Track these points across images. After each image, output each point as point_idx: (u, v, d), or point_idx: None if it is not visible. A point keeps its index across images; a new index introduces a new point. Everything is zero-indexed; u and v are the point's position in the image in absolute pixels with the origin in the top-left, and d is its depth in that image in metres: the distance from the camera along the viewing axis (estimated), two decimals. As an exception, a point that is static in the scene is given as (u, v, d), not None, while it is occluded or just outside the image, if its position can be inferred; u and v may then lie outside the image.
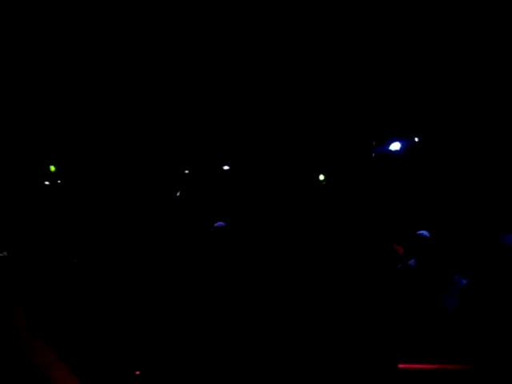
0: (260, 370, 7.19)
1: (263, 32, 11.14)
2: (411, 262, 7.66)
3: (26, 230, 11.68)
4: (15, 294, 7.12)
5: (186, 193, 13.97)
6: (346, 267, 8.78)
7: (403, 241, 9.02)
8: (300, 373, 7.08)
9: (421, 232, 7.63)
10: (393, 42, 11.04)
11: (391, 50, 11.15)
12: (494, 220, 10.62)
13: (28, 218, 12.73)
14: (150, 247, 10.31)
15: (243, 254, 8.48)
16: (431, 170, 12.05)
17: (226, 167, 14.17)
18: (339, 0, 10.30)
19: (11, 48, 11.41)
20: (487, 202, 11.35)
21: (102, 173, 13.72)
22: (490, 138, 11.49)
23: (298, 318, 7.82)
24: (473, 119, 11.52)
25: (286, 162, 13.15)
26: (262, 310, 7.85)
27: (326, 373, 7.04)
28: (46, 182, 14.46)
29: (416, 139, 12.06)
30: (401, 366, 6.33)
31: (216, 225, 8.55)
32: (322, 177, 13.40)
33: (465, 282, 7.26)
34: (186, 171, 14.28)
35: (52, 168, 14.09)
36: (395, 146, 12.16)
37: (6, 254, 7.82)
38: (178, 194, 13.95)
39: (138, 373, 7.13)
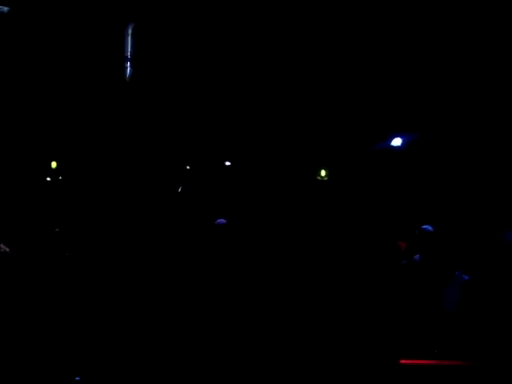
0: (262, 365, 7.20)
1: (264, 31, 11.13)
2: (416, 257, 7.62)
3: (27, 226, 11.68)
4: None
5: (188, 188, 13.96)
6: (348, 264, 8.77)
7: (406, 236, 9.01)
8: (303, 368, 7.08)
9: (425, 226, 7.58)
10: (394, 38, 11.03)
11: (392, 47, 11.13)
12: (496, 216, 10.61)
13: (29, 214, 12.73)
14: (150, 242, 10.30)
15: (244, 250, 8.47)
16: (433, 166, 12.03)
17: (227, 163, 14.16)
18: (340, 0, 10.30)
19: (13, 48, 11.41)
20: (490, 198, 11.33)
21: (103, 168, 13.71)
22: (492, 134, 11.47)
23: (300, 314, 7.82)
24: (476, 114, 11.50)
25: (288, 158, 13.14)
26: (264, 307, 7.84)
27: (329, 368, 7.04)
28: (48, 179, 14.46)
29: (417, 135, 12.05)
30: (402, 361, 6.33)
31: (217, 222, 8.52)
32: (323, 173, 13.38)
33: (466, 277, 7.25)
34: (188, 167, 14.26)
35: (53, 164, 14.09)
36: (396, 142, 12.15)
37: (8, 249, 7.82)
38: (180, 189, 13.94)
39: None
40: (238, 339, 7.49)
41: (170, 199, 13.59)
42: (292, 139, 12.94)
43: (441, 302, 7.19)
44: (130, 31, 11.32)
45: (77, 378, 7.02)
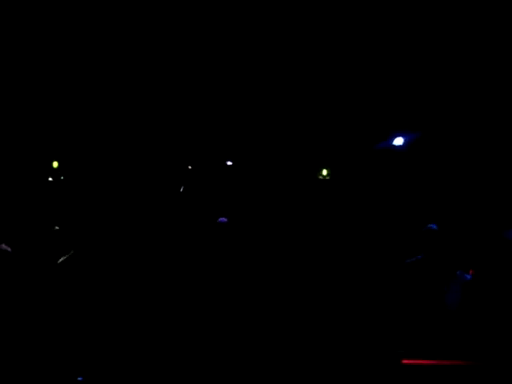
0: (264, 365, 7.20)
1: (265, 30, 11.13)
2: (420, 256, 7.60)
3: (29, 225, 11.68)
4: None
5: (190, 188, 13.96)
6: (350, 263, 8.77)
7: (408, 235, 9.00)
8: (304, 368, 7.08)
9: (431, 225, 7.56)
10: (397, 36, 11.03)
11: (394, 46, 11.12)
12: (498, 215, 10.59)
13: (31, 213, 12.73)
14: (152, 241, 10.30)
15: (246, 249, 8.46)
16: (434, 165, 12.02)
17: (229, 162, 14.15)
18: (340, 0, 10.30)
19: (15, 47, 11.42)
20: (492, 197, 11.32)
21: (105, 169, 13.72)
22: (494, 134, 11.46)
23: (303, 314, 7.81)
24: (479, 113, 11.49)
25: (290, 158, 13.13)
26: (265, 306, 7.84)
27: (332, 368, 7.04)
28: (50, 179, 14.46)
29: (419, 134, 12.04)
30: (405, 361, 6.33)
31: (218, 220, 8.52)
32: (325, 172, 13.38)
33: (468, 276, 7.24)
34: (189, 167, 14.26)
35: (55, 164, 14.09)
36: (398, 141, 12.14)
37: (9, 249, 7.81)
38: (182, 189, 13.94)
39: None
40: (239, 338, 7.49)
41: (172, 198, 13.59)
42: (294, 138, 12.94)
43: (443, 301, 7.18)
44: None
45: (79, 379, 7.02)
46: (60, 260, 8.39)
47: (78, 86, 12.64)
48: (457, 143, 11.82)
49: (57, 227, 8.81)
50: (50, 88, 12.67)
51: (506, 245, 6.98)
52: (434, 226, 7.52)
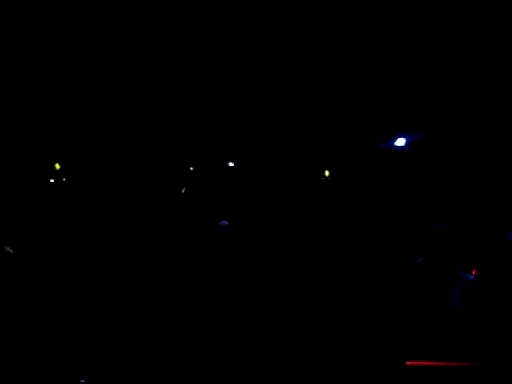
0: (265, 366, 7.19)
1: (267, 30, 11.12)
2: (428, 256, 7.56)
3: (31, 227, 11.68)
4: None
5: (191, 189, 13.96)
6: (354, 264, 8.76)
7: (411, 235, 8.99)
8: (308, 369, 7.07)
9: (439, 225, 7.52)
10: (399, 37, 11.02)
11: (396, 47, 11.12)
12: (499, 216, 10.58)
13: (33, 215, 12.73)
14: (154, 243, 10.30)
15: (246, 251, 8.46)
16: (437, 166, 12.01)
17: (230, 164, 14.16)
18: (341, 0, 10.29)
19: (16, 48, 11.41)
20: (493, 198, 11.31)
21: (107, 170, 13.72)
22: (495, 136, 11.45)
23: (306, 314, 7.80)
24: (481, 114, 11.49)
25: (291, 159, 13.13)
26: (267, 306, 7.83)
27: (335, 369, 7.03)
28: (52, 180, 14.47)
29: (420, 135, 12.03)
30: (408, 362, 6.32)
31: (220, 223, 8.53)
32: (327, 173, 13.38)
33: (470, 277, 7.23)
34: (191, 168, 14.27)
35: (57, 166, 14.10)
36: (400, 142, 12.14)
37: (11, 250, 7.82)
38: (183, 190, 13.94)
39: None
40: (240, 338, 7.48)
41: (174, 200, 13.60)
42: (296, 140, 12.93)
43: (446, 301, 7.17)
44: None
45: (82, 381, 7.01)
46: (61, 261, 8.39)
47: (80, 89, 12.64)
48: (458, 145, 11.81)
49: (52, 232, 8.82)
50: (53, 90, 12.67)
51: (507, 246, 6.98)
52: (443, 227, 7.48)
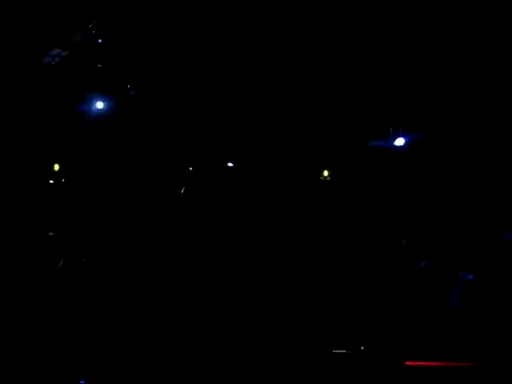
0: (265, 366, 7.19)
1: (265, 30, 11.13)
2: (432, 259, 7.56)
3: (30, 229, 11.68)
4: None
5: (191, 190, 13.96)
6: (354, 265, 8.76)
7: (410, 236, 8.99)
8: (307, 369, 7.08)
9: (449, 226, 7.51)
10: (398, 36, 11.03)
11: (394, 46, 11.13)
12: (499, 217, 10.58)
13: (32, 217, 12.73)
14: (154, 244, 10.30)
15: (247, 251, 8.47)
16: (436, 166, 12.01)
17: (230, 164, 14.14)
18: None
19: (16, 48, 11.41)
20: (493, 199, 11.31)
21: (105, 170, 13.71)
22: (495, 137, 11.44)
23: (305, 315, 7.81)
24: (480, 114, 11.48)
25: (291, 159, 13.13)
26: (267, 306, 7.84)
27: (335, 369, 7.04)
28: (51, 181, 14.45)
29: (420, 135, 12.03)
30: (407, 363, 6.33)
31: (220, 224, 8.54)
32: (326, 173, 13.37)
33: (470, 277, 7.24)
34: (190, 168, 14.25)
35: (56, 167, 14.08)
36: (399, 142, 12.12)
37: (11, 251, 7.83)
38: (182, 191, 13.93)
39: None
40: (240, 338, 7.48)
41: (173, 200, 13.59)
42: (295, 140, 12.93)
43: (445, 302, 7.18)
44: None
45: (81, 382, 7.02)
46: (60, 263, 8.39)
47: (79, 88, 12.64)
48: (458, 146, 11.81)
49: (51, 233, 8.82)
50: (51, 90, 12.67)
51: (507, 247, 6.99)
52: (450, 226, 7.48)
